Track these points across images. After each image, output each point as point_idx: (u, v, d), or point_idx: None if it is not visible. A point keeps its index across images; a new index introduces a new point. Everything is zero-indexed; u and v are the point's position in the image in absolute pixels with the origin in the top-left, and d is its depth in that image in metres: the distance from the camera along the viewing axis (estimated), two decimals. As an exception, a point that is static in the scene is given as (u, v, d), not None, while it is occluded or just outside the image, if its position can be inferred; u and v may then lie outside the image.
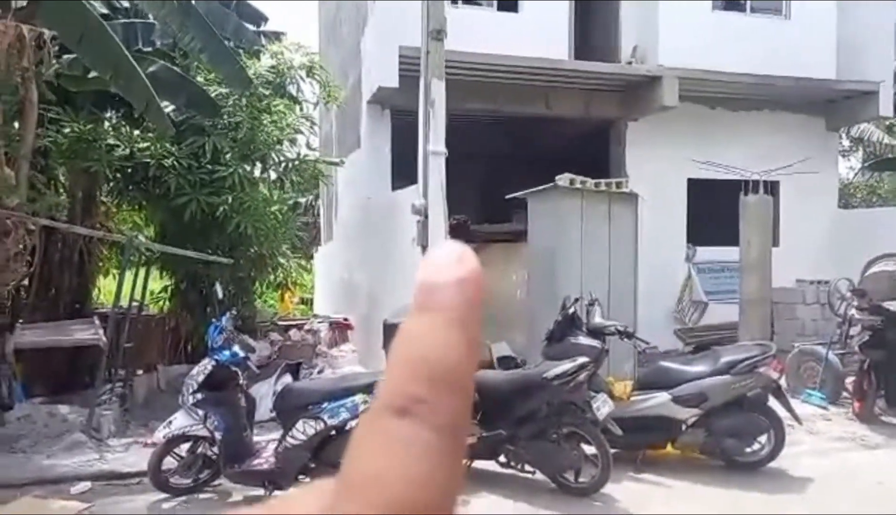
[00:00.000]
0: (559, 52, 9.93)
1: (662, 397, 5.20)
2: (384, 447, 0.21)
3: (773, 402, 5.26)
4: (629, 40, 10.53)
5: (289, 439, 4.29)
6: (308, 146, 8.39)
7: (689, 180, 10.76)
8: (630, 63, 10.37)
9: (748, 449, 5.26)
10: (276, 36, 11.26)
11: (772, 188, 10.55)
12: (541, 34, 9.76)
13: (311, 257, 14.74)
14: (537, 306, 7.24)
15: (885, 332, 6.41)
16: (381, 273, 9.12)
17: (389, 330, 4.44)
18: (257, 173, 8.00)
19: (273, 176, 8.34)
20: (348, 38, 11.60)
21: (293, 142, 7.90)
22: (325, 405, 4.32)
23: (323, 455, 4.43)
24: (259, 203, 7.35)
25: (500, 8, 10.22)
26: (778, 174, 10.03)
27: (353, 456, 0.22)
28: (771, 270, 8.67)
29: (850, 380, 6.90)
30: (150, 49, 7.73)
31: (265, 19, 10.92)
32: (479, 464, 4.98)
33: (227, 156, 7.42)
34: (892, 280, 6.97)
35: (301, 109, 8.59)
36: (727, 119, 10.90)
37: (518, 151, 11.71)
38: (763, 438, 5.23)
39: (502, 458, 4.90)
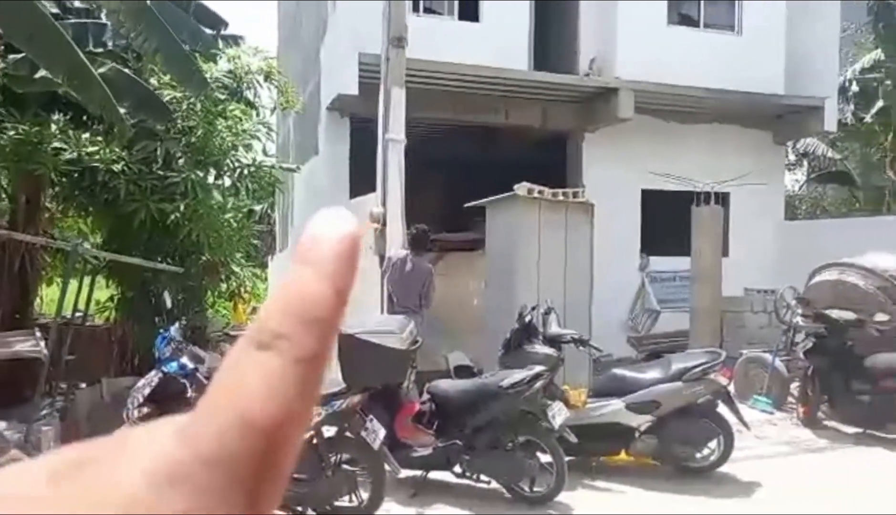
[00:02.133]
0: (518, 63, 10.04)
1: (616, 404, 5.26)
2: (241, 372, 0.22)
3: (722, 408, 5.38)
4: (587, 53, 10.71)
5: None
6: (265, 152, 8.26)
7: (644, 191, 10.99)
8: (587, 75, 10.55)
9: (698, 455, 5.36)
10: (235, 40, 11.08)
11: (722, 199, 10.85)
12: (500, 44, 9.86)
13: (266, 266, 14.51)
14: (494, 315, 7.27)
15: (828, 340, 6.64)
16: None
17: (344, 341, 4.37)
18: (211, 179, 7.83)
19: (227, 182, 8.18)
20: (308, 44, 11.50)
21: (249, 147, 7.76)
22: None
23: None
24: (212, 210, 7.19)
25: (461, 17, 10.28)
26: (727, 186, 10.32)
27: (212, 383, 0.23)
28: (721, 279, 8.90)
29: (795, 386, 7.12)
30: (101, 50, 7.51)
31: (224, 24, 10.73)
32: (435, 475, 4.96)
33: (180, 161, 7.24)
34: (835, 289, 7.22)
35: (258, 115, 8.46)
36: (680, 131, 11.18)
37: (477, 160, 11.77)
38: (713, 443, 5.34)
39: (457, 468, 4.88)
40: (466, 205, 7.97)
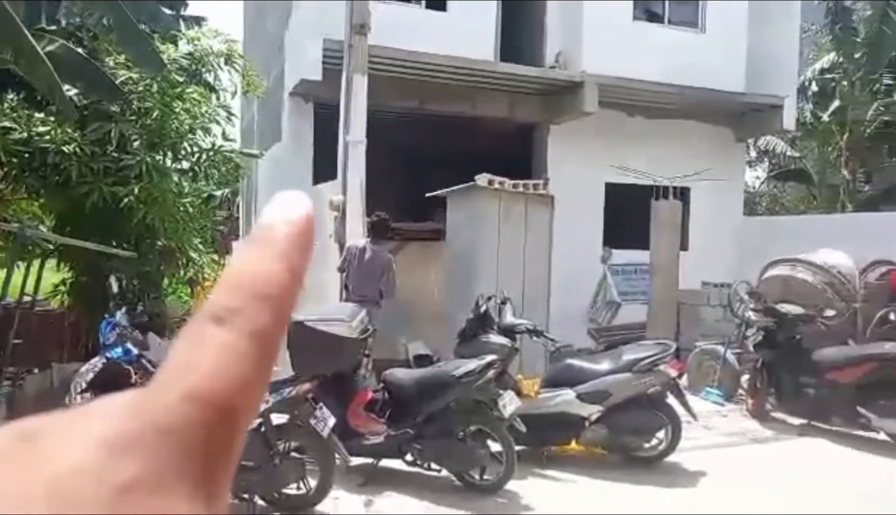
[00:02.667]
0: (485, 54, 10.03)
1: (568, 394, 5.33)
2: (196, 347, 0.23)
3: (671, 399, 5.48)
4: (553, 46, 10.75)
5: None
6: (224, 136, 8.09)
7: (608, 184, 11.10)
8: (553, 68, 10.59)
9: (647, 445, 5.46)
10: (197, 21, 10.86)
11: (683, 194, 11.04)
12: (468, 35, 9.83)
13: (229, 252, 14.31)
14: (454, 304, 7.29)
15: (777, 333, 6.80)
16: (300, 269, 8.96)
17: (294, 329, 4.34)
18: (168, 163, 7.68)
19: (186, 166, 8.04)
20: (272, 29, 11.33)
21: (207, 131, 7.62)
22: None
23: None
24: (169, 194, 7.06)
25: (429, 6, 10.22)
26: (688, 181, 10.48)
27: (168, 357, 0.23)
28: (678, 273, 9.05)
29: (745, 379, 7.29)
30: (54, 28, 7.30)
31: (185, 4, 10.52)
32: (386, 463, 4.96)
33: (135, 143, 7.09)
34: (786, 284, 7.40)
35: (218, 98, 8.31)
36: (644, 126, 11.31)
37: (442, 150, 11.75)
38: (661, 434, 5.44)
39: (409, 457, 4.89)
40: (428, 194, 7.95)
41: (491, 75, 10.02)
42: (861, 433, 6.22)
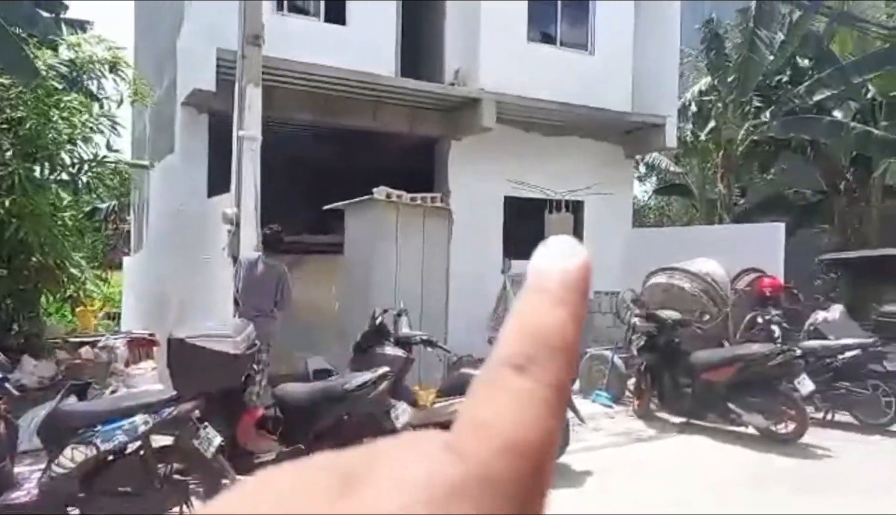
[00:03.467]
0: (386, 69, 10.11)
1: (458, 403, 5.44)
2: (500, 395, 0.23)
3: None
4: (452, 63, 11.00)
5: (54, 468, 3.90)
6: (108, 147, 7.72)
7: (506, 197, 11.44)
8: (453, 84, 10.83)
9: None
10: (81, 25, 10.34)
11: (577, 207, 11.56)
12: (368, 49, 9.89)
13: (118, 267, 13.59)
14: (352, 317, 7.27)
15: (658, 337, 7.26)
16: (193, 285, 8.65)
17: (175, 346, 4.21)
18: (46, 174, 7.24)
19: (66, 178, 7.61)
20: (164, 35, 10.93)
21: (88, 141, 7.25)
22: (98, 428, 4.00)
23: (96, 483, 4.08)
24: (45, 207, 6.66)
25: (328, 19, 10.20)
26: (581, 195, 10.99)
27: (471, 403, 0.24)
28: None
29: (631, 382, 7.71)
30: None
31: (64, 7, 9.98)
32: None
33: (7, 154, 6.65)
34: (666, 291, 7.91)
35: (101, 107, 7.93)
36: (540, 142, 11.75)
37: (344, 163, 11.73)
38: (551, 437, 5.66)
39: (301, 472, 4.83)
40: (325, 207, 7.92)
41: (391, 90, 10.11)
42: (733, 428, 6.73)
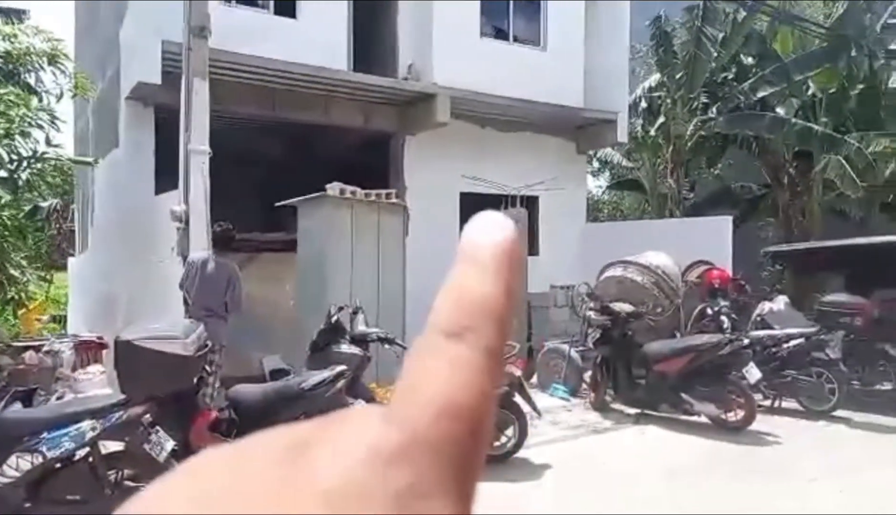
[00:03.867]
0: (338, 63, 9.97)
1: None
2: (436, 362, 0.24)
3: (517, 398, 5.75)
4: (406, 57, 10.93)
5: (-2, 477, 3.74)
6: (49, 142, 7.39)
7: (462, 193, 11.44)
8: (406, 79, 10.76)
9: (496, 443, 5.67)
10: (17, 15, 9.88)
11: (532, 203, 11.64)
12: (319, 42, 9.73)
13: (63, 268, 13.09)
14: (307, 316, 7.16)
15: (612, 330, 7.37)
16: (142, 285, 8.39)
17: (122, 349, 4.06)
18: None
19: (4, 175, 7.25)
20: (106, 27, 10.53)
21: (26, 136, 6.93)
22: (44, 435, 3.83)
23: (43, 491, 3.92)
24: (-21, 206, 6.35)
25: (277, 12, 10.00)
26: (535, 190, 11.07)
27: (407, 372, 0.24)
28: (527, 276, 9.51)
29: (588, 374, 7.81)
30: None
31: (-2, -5, 9.51)
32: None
33: (-63, 149, 6.30)
34: (619, 284, 8.05)
35: (40, 100, 7.58)
36: (495, 138, 11.79)
37: (297, 158, 11.54)
38: (509, 431, 5.69)
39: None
40: (277, 204, 7.76)
41: (344, 84, 9.99)
42: (685, 417, 6.89)
